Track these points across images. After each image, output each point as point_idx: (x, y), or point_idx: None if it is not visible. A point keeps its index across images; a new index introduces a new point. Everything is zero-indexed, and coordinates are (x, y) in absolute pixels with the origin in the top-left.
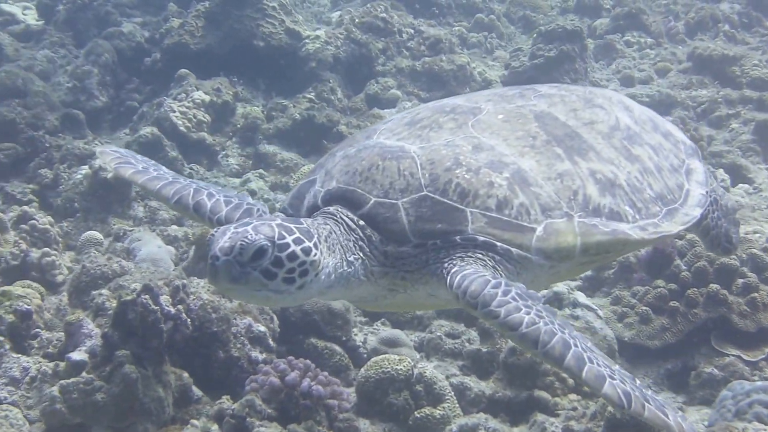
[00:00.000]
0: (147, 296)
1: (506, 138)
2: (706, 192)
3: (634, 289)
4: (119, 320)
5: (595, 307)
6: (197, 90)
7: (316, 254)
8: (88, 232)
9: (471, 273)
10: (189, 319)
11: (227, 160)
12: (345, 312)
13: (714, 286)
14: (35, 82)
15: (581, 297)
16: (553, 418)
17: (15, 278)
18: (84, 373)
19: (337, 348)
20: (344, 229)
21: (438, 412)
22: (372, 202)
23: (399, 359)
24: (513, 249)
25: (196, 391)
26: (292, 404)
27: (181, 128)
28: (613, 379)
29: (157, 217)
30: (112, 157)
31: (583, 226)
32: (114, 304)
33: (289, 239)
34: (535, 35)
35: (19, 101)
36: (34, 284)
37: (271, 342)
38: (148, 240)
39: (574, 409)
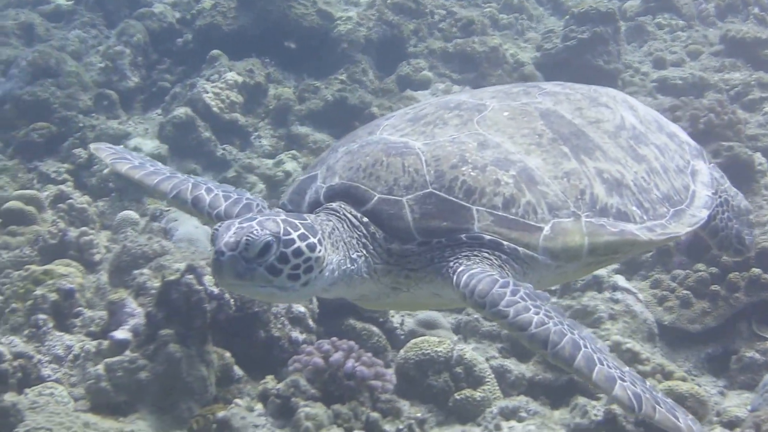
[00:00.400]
0: (191, 276)
1: (512, 136)
2: (712, 193)
3: (674, 272)
4: (163, 300)
5: (635, 291)
6: (230, 71)
7: (320, 251)
8: (124, 212)
9: (478, 272)
10: (232, 300)
11: (260, 141)
12: None
13: (756, 271)
14: (68, 62)
15: (621, 280)
16: (594, 401)
17: (53, 257)
18: (128, 352)
19: (375, 329)
20: (347, 225)
21: (478, 394)
22: (376, 198)
23: (439, 341)
24: (520, 248)
25: (238, 371)
26: (335, 385)
27: (214, 109)
28: (624, 380)
29: None
30: (108, 153)
31: (590, 226)
32: (155, 284)
33: (294, 235)
34: (567, 17)
35: (52, 81)
36: (74, 263)
37: (310, 322)
38: (185, 220)
39: None
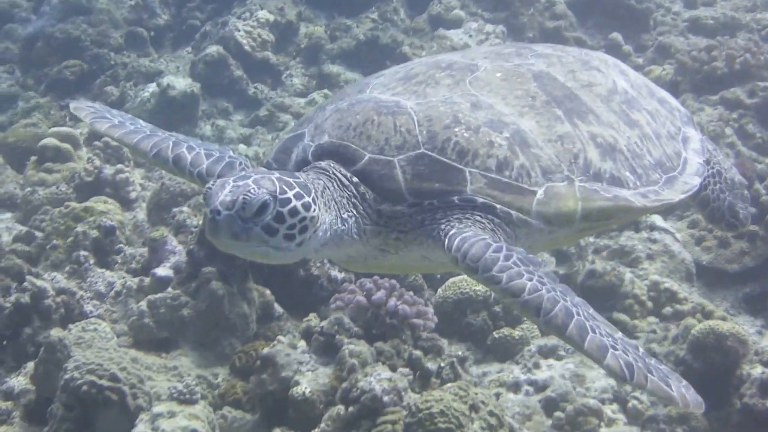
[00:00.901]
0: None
1: (505, 97)
2: (704, 161)
3: None
4: (204, 238)
5: (673, 231)
6: (261, 9)
7: (315, 210)
8: None
9: (471, 236)
10: None
11: (291, 80)
12: None
13: None
14: (99, 0)
15: (659, 220)
16: (632, 340)
17: (89, 195)
18: (170, 289)
19: None
20: (337, 185)
21: (516, 332)
22: (366, 158)
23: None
24: (513, 212)
25: (278, 309)
26: (378, 323)
27: (246, 47)
28: (616, 349)
29: (224, 136)
30: (87, 111)
31: (584, 191)
32: (195, 221)
33: (290, 194)
34: None
35: (83, 18)
36: (110, 200)
37: None
38: None
39: (654, 332)
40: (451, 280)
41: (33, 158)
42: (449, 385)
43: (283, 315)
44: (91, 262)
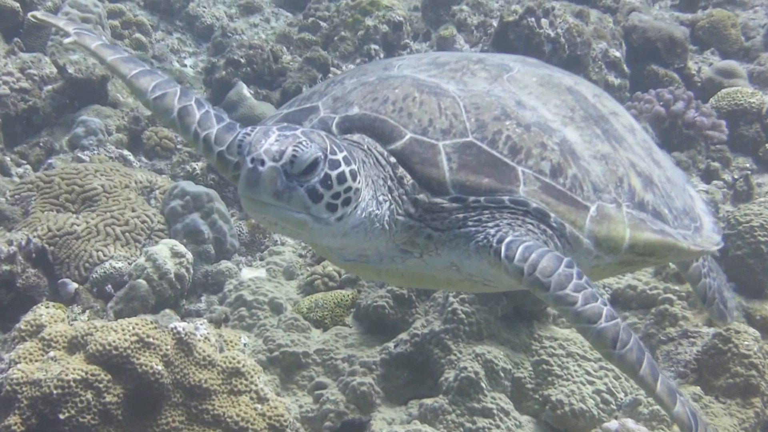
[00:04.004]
0: (532, 18)
1: (546, 103)
2: (714, 222)
3: None
4: (500, 40)
5: None
6: None
7: (360, 181)
8: None
9: (535, 245)
10: (563, 41)
11: None
12: (684, 40)
13: None
14: None
15: None
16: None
17: None
18: None
19: (676, 75)
20: (373, 163)
21: None
22: (408, 137)
23: (751, 92)
24: (567, 225)
25: None
26: (675, 133)
27: None
28: (681, 395)
29: None
30: (75, 28)
31: (632, 218)
32: (475, 21)
33: (339, 156)
34: None
35: None
36: None
37: (625, 67)
38: None
39: None
40: (724, 91)
41: None
42: (761, 199)
43: None
44: (381, 56)
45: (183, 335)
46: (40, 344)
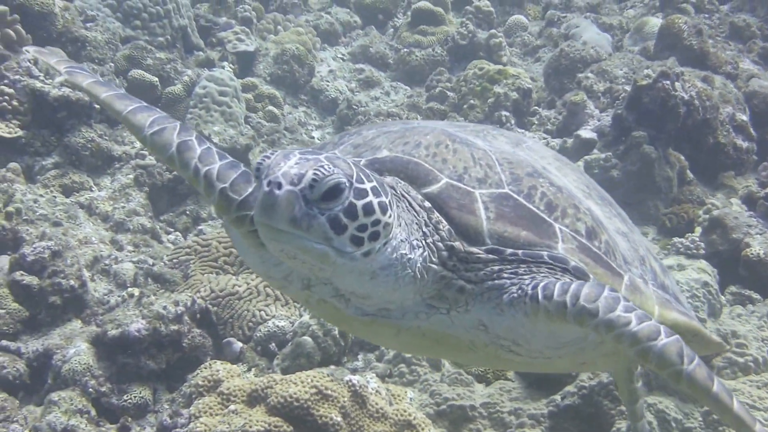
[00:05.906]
0: (667, 82)
1: (565, 175)
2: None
3: None
4: (633, 103)
5: None
6: None
7: (391, 216)
8: (515, 17)
9: (571, 283)
10: (697, 103)
11: None
12: None
13: None
14: None
15: None
16: None
17: (461, 58)
18: (595, 151)
19: None
20: (407, 206)
21: None
22: (444, 182)
23: None
24: None
25: (689, 174)
26: None
27: None
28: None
29: None
30: (58, 59)
31: (659, 296)
32: (601, 87)
33: (367, 186)
34: None
35: None
36: (517, 64)
37: (751, 130)
38: (586, 26)
39: None
40: None
41: (405, 19)
42: None
43: (692, 180)
44: (512, 122)
45: (358, 388)
46: (219, 398)
